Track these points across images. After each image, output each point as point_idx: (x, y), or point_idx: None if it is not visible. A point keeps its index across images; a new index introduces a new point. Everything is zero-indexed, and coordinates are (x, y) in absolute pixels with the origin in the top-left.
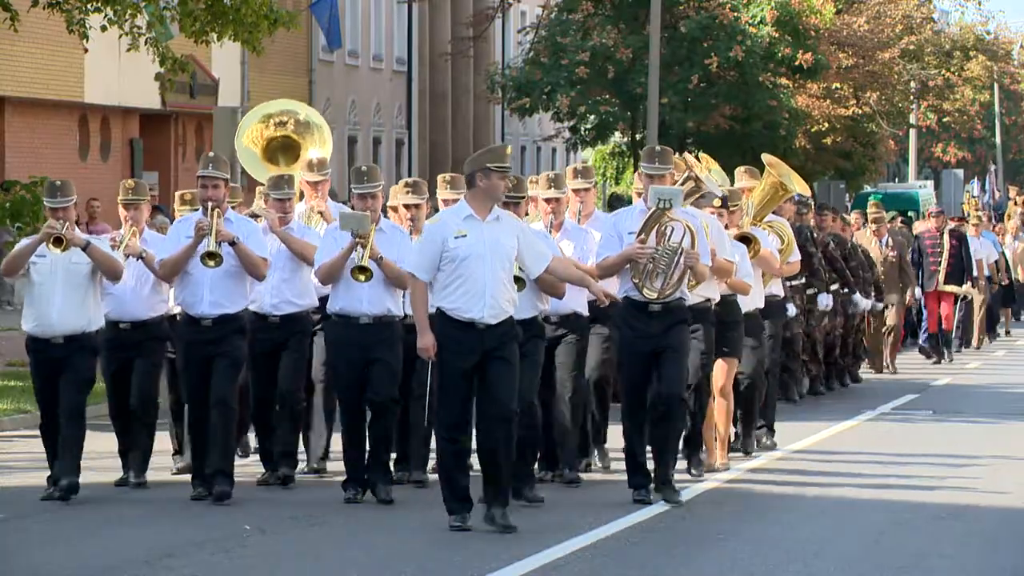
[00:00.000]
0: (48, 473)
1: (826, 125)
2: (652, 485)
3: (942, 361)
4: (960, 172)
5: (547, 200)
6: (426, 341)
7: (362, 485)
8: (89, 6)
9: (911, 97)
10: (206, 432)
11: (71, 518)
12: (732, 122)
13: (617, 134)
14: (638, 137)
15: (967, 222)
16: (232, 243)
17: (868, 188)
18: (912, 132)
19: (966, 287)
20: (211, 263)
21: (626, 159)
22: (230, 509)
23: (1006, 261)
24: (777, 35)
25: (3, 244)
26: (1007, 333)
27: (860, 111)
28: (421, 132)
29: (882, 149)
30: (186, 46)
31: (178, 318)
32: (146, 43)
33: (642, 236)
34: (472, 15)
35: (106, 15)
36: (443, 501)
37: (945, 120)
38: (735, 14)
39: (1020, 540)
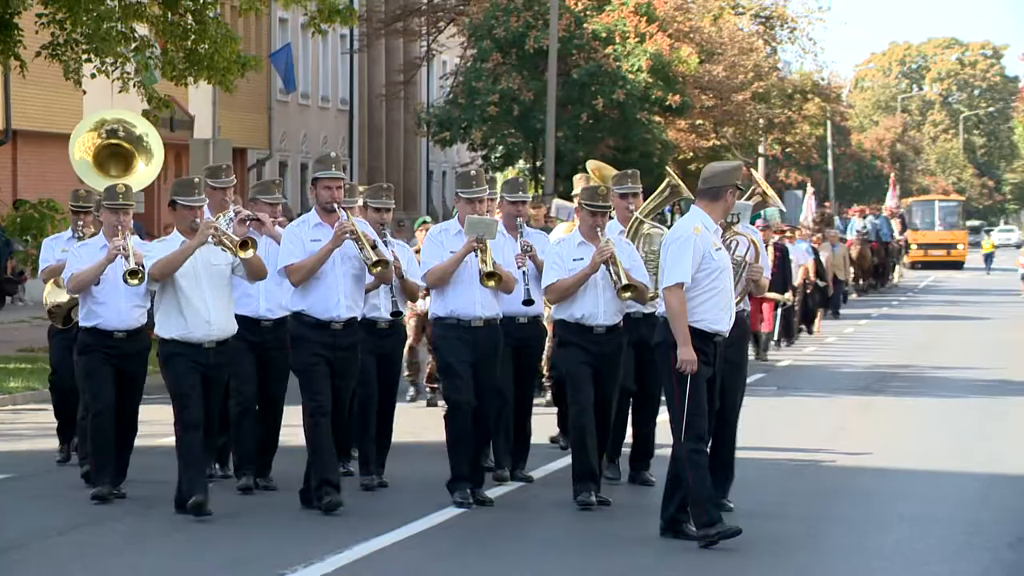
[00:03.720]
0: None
1: (691, 154)
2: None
3: (758, 358)
4: (800, 192)
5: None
6: (691, 354)
7: (475, 484)
8: (82, 57)
9: (760, 131)
10: (331, 436)
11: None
12: (615, 151)
13: (521, 161)
14: (538, 164)
15: (798, 231)
16: (374, 246)
17: None
18: (761, 160)
19: (787, 295)
20: (378, 269)
21: (528, 181)
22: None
23: (820, 267)
24: (651, 81)
25: (14, 253)
26: (817, 331)
27: (719, 143)
28: (361, 160)
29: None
30: (166, 87)
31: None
32: (134, 86)
33: None
34: (403, 64)
35: (95, 65)
36: (702, 515)
37: (788, 150)
38: (617, 63)
39: (855, 494)
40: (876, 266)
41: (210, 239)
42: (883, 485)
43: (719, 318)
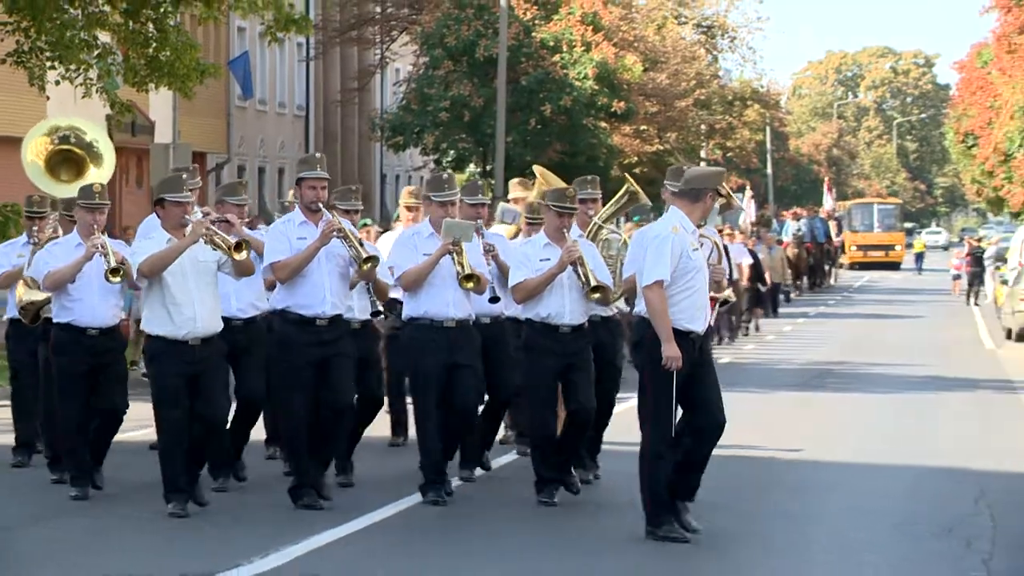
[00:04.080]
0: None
1: (636, 159)
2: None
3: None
4: (740, 196)
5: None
6: (675, 350)
7: (445, 485)
8: (47, 64)
9: (702, 137)
10: (324, 435)
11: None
12: (562, 156)
13: (472, 165)
14: (488, 168)
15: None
16: (361, 243)
17: None
18: (702, 164)
19: (728, 291)
20: (368, 266)
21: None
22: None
23: (759, 268)
24: (597, 88)
25: None
26: (756, 329)
27: (662, 148)
28: None
29: None
30: (127, 93)
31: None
32: (97, 91)
33: None
34: (357, 71)
35: (60, 72)
36: (652, 514)
37: (728, 155)
38: (564, 71)
39: (794, 487)
40: (812, 267)
41: (202, 239)
42: (820, 478)
43: (695, 317)
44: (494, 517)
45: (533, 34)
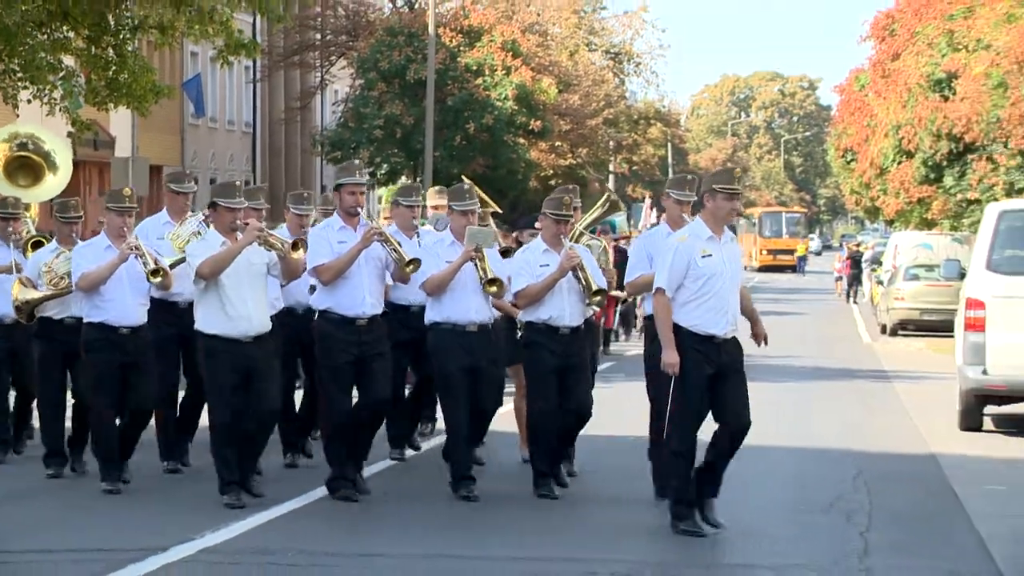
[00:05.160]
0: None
1: (551, 172)
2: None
3: (607, 351)
4: (641, 204)
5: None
6: (673, 357)
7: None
8: (19, 84)
9: (610, 152)
10: (362, 431)
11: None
12: (486, 169)
13: (403, 177)
14: (418, 180)
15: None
16: (398, 247)
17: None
18: (611, 177)
19: (626, 291)
20: (411, 268)
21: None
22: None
23: None
24: (516, 108)
25: None
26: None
27: (574, 162)
28: (263, 176)
29: (590, 189)
30: (90, 112)
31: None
32: (60, 110)
33: None
34: (299, 92)
35: (31, 91)
36: (678, 516)
37: (634, 168)
38: (487, 92)
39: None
40: None
41: (256, 241)
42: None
43: (715, 321)
44: (433, 496)
45: (458, 59)
